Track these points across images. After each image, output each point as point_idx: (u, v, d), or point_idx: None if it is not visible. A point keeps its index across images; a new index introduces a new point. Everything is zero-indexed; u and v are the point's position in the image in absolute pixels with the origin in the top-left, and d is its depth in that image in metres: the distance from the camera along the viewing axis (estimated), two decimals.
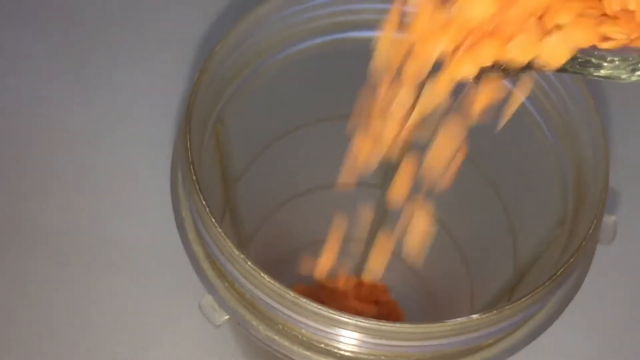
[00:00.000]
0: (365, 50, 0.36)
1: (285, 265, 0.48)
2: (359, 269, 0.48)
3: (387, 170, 0.43)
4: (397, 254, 0.47)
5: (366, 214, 0.45)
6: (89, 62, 0.50)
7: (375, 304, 0.48)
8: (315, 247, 0.48)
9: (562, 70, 0.25)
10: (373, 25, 0.36)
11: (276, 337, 0.29)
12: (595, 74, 0.24)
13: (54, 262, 0.44)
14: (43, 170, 0.47)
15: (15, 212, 0.45)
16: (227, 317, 0.30)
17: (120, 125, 0.48)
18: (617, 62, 0.24)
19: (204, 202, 0.28)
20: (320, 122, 0.40)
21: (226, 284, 0.30)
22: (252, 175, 0.40)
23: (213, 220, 0.28)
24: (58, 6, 0.52)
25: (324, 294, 0.47)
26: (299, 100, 0.39)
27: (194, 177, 0.29)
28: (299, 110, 0.39)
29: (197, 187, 0.28)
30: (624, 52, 0.24)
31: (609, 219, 0.31)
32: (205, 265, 0.31)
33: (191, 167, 0.29)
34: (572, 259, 0.27)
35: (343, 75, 0.38)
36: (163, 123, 0.48)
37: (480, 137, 0.35)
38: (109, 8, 0.52)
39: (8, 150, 0.48)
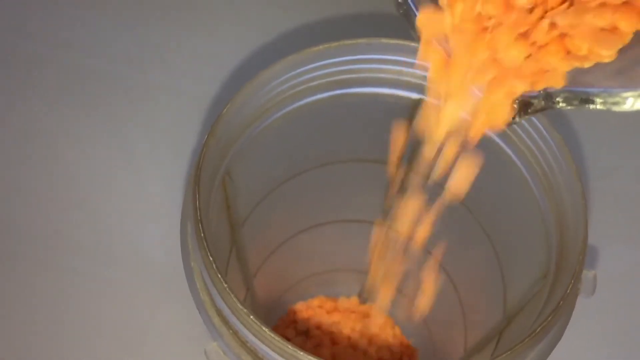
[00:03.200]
0: (360, 104, 0.38)
1: (289, 294, 0.50)
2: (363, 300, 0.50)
3: (389, 209, 0.45)
4: (400, 290, 0.48)
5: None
6: (108, 116, 0.51)
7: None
8: (317, 278, 0.50)
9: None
10: (368, 82, 0.37)
11: None
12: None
13: (66, 303, 0.44)
14: (59, 222, 0.47)
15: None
16: None
17: (137, 168, 0.49)
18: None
19: (211, 259, 0.29)
20: (318, 167, 0.42)
21: (230, 331, 0.31)
22: (257, 217, 0.41)
23: (219, 276, 0.29)
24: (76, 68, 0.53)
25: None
26: (299, 150, 0.40)
27: (202, 235, 0.30)
28: (299, 159, 0.41)
29: (205, 244, 0.30)
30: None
31: (589, 274, 0.33)
32: (212, 313, 0.32)
33: (199, 225, 0.30)
34: (550, 317, 0.28)
35: (340, 126, 0.39)
36: (176, 168, 0.49)
37: (477, 189, 0.37)
38: (125, 68, 0.53)
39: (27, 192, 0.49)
